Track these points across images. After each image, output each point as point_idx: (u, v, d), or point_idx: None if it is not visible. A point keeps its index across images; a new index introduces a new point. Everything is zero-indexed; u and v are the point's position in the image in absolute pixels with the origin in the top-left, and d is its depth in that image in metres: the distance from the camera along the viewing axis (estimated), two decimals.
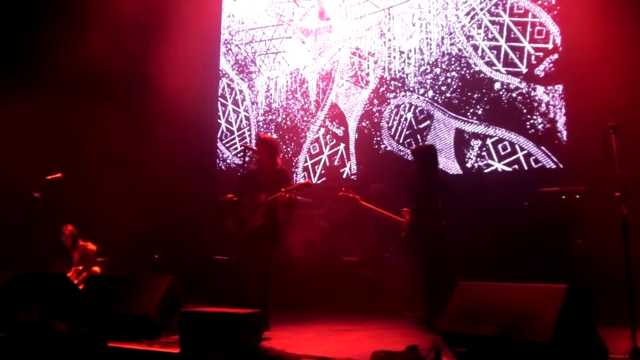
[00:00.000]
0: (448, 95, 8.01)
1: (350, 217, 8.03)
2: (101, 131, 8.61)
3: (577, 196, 6.43)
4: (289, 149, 9.16)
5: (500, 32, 7.72)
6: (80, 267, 7.10)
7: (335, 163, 8.81)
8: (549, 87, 7.30)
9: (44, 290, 4.98)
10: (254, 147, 6.11)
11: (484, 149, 7.64)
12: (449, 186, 6.28)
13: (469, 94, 7.86)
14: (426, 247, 6.05)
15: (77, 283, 6.74)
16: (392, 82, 8.50)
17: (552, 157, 7.22)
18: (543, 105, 7.33)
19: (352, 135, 8.74)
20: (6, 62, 8.56)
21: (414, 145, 7.84)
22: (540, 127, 7.32)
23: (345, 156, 8.76)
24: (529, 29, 7.52)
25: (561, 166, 7.15)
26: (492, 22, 7.79)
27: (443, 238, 6.08)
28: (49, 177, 7.14)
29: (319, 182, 8.77)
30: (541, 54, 7.40)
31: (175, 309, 5.23)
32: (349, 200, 6.67)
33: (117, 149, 8.65)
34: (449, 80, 8.03)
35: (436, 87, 8.12)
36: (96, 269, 7.13)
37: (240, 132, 9.69)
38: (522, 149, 7.40)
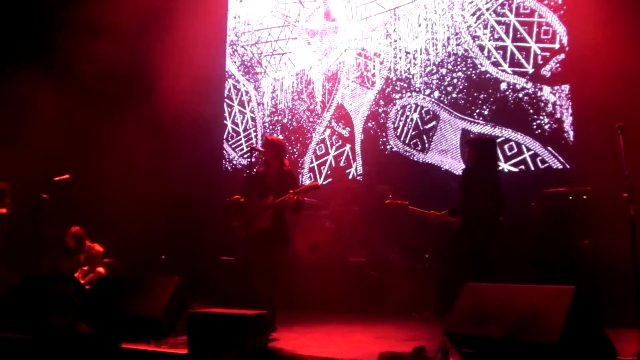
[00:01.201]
0: (454, 95, 8.00)
1: (356, 218, 8.04)
2: (108, 133, 8.67)
3: (584, 197, 6.42)
4: (294, 150, 9.17)
5: (507, 32, 7.70)
6: (86, 268, 7.13)
7: (341, 164, 8.81)
8: (556, 87, 7.28)
9: (74, 295, 5.00)
10: (261, 148, 6.10)
11: None
12: (499, 191, 5.82)
13: (475, 94, 7.85)
14: (466, 242, 5.81)
15: (84, 284, 6.77)
16: (398, 83, 8.50)
17: (559, 157, 7.20)
18: (549, 105, 7.31)
19: (358, 136, 8.74)
20: (17, 63, 8.60)
21: (472, 136, 7.41)
22: (546, 127, 7.31)
23: (351, 157, 8.76)
24: (535, 29, 7.51)
25: (568, 166, 7.13)
26: (498, 22, 7.78)
27: (487, 237, 5.75)
28: (57, 179, 7.19)
29: (325, 182, 8.77)
30: (547, 54, 7.39)
31: (183, 310, 5.24)
32: (397, 207, 6.44)
33: (124, 150, 8.69)
34: (455, 80, 8.02)
35: (442, 87, 8.11)
36: (101, 269, 7.15)
37: (246, 133, 9.71)
38: (528, 150, 7.39)
